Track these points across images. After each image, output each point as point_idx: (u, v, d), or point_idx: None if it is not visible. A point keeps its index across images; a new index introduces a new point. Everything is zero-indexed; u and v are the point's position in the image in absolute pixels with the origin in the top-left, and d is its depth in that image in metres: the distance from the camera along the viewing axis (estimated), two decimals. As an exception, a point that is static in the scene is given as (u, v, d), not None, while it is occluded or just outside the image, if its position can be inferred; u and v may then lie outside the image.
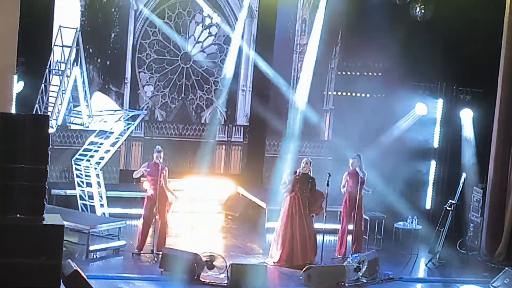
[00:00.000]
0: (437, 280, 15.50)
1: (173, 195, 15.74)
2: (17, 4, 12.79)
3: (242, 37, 19.27)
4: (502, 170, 16.61)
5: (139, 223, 15.61)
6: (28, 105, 16.00)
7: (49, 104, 16.22)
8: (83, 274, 12.03)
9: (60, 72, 16.26)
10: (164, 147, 16.36)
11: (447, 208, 16.48)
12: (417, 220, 16.76)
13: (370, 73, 18.67)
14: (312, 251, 15.42)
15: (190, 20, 19.24)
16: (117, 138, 17.06)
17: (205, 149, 19.33)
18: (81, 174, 16.97)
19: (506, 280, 14.63)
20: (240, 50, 19.32)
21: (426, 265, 16.23)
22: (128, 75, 18.93)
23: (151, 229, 15.44)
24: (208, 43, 19.44)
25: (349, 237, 16.17)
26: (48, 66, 16.31)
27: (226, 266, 14.20)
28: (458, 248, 16.96)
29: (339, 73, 19.70)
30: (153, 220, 15.36)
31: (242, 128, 19.82)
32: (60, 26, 16.42)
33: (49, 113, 15.92)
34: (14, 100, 14.42)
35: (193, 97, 19.53)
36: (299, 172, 15.44)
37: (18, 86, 15.95)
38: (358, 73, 18.97)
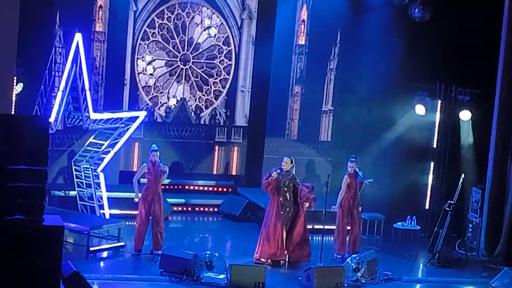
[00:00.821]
0: (436, 280, 15.50)
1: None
2: (16, 6, 12.81)
3: (241, 37, 19.38)
4: (501, 170, 16.63)
5: (136, 223, 15.61)
6: (28, 106, 16.02)
7: (49, 105, 16.23)
8: (82, 275, 12.06)
9: (59, 74, 16.28)
10: (164, 148, 16.38)
11: (446, 208, 16.50)
12: (416, 220, 16.77)
13: (369, 74, 18.66)
14: (304, 251, 15.42)
15: (189, 22, 19.27)
16: (117, 139, 17.07)
17: (204, 150, 19.38)
18: (81, 175, 16.99)
19: (505, 281, 14.64)
20: (239, 51, 19.38)
21: (425, 265, 16.24)
22: (127, 76, 18.96)
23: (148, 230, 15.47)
24: (207, 45, 19.47)
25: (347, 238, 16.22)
26: (47, 68, 16.33)
27: (226, 267, 14.22)
28: (457, 249, 16.97)
29: (338, 74, 19.73)
30: (149, 221, 15.39)
31: (241, 129, 19.84)
32: (59, 28, 16.43)
33: (49, 114, 15.93)
34: (13, 101, 14.46)
35: (193, 98, 19.56)
36: (279, 172, 15.40)
37: (17, 87, 15.97)
38: (357, 74, 18.97)
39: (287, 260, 15.38)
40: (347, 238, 16.14)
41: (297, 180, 15.58)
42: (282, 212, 15.37)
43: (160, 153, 15.52)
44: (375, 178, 16.40)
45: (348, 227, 16.17)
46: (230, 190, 19.45)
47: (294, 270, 15.06)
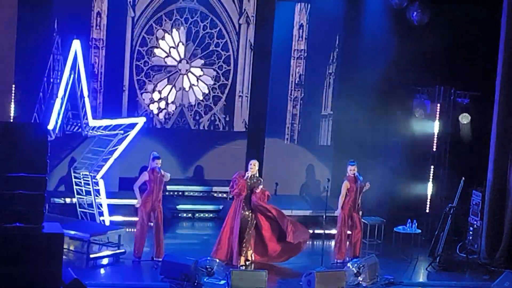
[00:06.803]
0: (437, 284, 15.50)
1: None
2: (14, 13, 12.83)
3: (238, 42, 19.40)
4: (501, 173, 16.61)
5: (136, 229, 15.60)
6: (27, 114, 16.00)
7: (48, 113, 16.21)
8: (83, 282, 12.04)
9: (58, 81, 16.27)
10: (163, 154, 16.36)
11: (447, 211, 16.49)
12: (416, 224, 16.76)
13: (368, 78, 18.65)
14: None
15: (187, 27, 19.26)
16: (116, 146, 17.06)
17: (204, 155, 19.36)
18: (80, 182, 16.98)
19: (506, 283, 14.62)
20: (238, 56, 19.38)
21: (426, 269, 16.22)
22: (126, 82, 18.95)
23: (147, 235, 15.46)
24: (206, 50, 19.46)
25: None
26: (46, 75, 16.32)
27: (226, 273, 14.20)
28: (458, 252, 16.97)
29: (337, 78, 19.73)
30: (147, 227, 15.37)
31: (240, 134, 19.81)
32: (57, 35, 16.42)
33: (48, 122, 15.92)
34: (12, 108, 14.47)
35: (191, 104, 19.55)
36: (248, 175, 15.40)
37: (16, 94, 15.96)
38: (356, 78, 18.96)
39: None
40: (347, 243, 16.12)
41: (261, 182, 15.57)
42: (244, 215, 15.37)
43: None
44: (375, 182, 16.39)
45: (348, 232, 16.16)
46: (229, 195, 19.42)
47: (295, 275, 15.04)
